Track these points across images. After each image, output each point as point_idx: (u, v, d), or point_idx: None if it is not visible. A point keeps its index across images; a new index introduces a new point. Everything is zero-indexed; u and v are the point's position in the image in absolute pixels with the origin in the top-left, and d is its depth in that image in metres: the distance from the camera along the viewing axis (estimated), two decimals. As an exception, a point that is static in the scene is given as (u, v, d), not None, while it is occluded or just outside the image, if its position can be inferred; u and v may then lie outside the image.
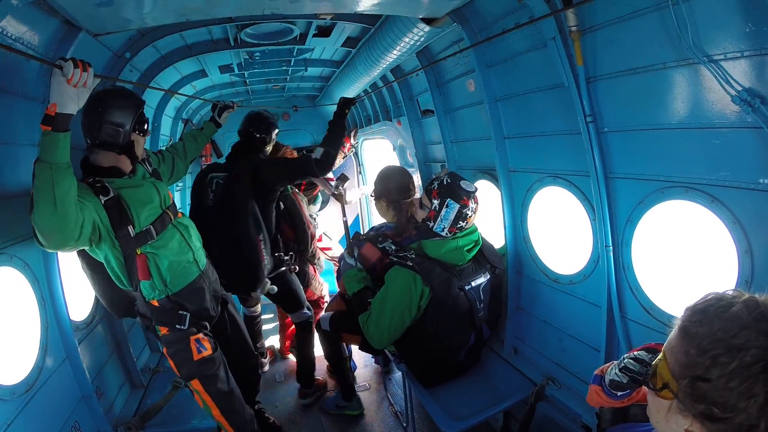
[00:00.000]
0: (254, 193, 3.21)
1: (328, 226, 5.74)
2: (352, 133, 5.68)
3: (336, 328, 3.32)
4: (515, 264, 3.04)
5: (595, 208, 2.28)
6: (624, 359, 1.32)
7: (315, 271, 4.38)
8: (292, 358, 4.50)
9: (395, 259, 2.69)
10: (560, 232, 2.89)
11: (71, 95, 1.71)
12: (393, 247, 2.92)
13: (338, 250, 5.42)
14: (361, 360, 4.37)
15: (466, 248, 2.67)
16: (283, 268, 3.57)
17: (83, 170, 2.23)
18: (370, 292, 2.87)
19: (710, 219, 1.80)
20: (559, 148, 2.53)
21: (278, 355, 4.65)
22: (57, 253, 2.28)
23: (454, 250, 2.64)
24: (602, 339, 2.33)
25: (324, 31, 3.44)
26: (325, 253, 4.97)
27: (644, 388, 1.19)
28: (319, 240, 5.11)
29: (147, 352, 3.54)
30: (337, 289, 3.60)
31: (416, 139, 4.33)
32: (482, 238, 2.83)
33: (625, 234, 2.19)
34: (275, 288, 3.43)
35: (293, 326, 4.13)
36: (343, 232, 4.15)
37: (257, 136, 3.52)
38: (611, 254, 2.25)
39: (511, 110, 2.82)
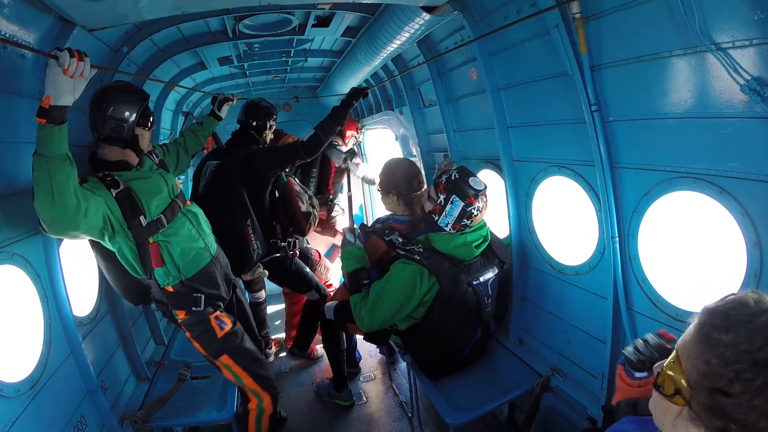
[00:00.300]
0: (245, 180, 3.31)
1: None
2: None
3: (340, 317, 3.33)
4: (520, 255, 3.01)
5: (600, 198, 2.25)
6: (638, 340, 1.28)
7: (320, 257, 4.43)
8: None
9: (402, 253, 2.67)
10: (565, 222, 2.85)
11: (66, 86, 1.68)
12: (400, 240, 2.90)
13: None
14: (366, 350, 4.37)
15: (474, 244, 2.65)
16: (278, 254, 3.66)
17: (92, 165, 2.28)
18: (366, 273, 2.87)
19: (718, 210, 1.76)
20: (563, 137, 2.48)
21: (283, 346, 4.68)
22: (58, 250, 2.28)
23: (462, 245, 2.62)
24: (608, 331, 2.31)
25: (323, 21, 3.38)
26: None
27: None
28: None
29: (152, 345, 3.56)
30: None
31: (418, 128, 4.28)
32: (491, 233, 2.80)
33: (631, 225, 2.15)
34: (266, 272, 3.59)
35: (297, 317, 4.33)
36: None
37: (254, 124, 3.63)
38: (617, 245, 2.21)
39: (514, 99, 2.78)
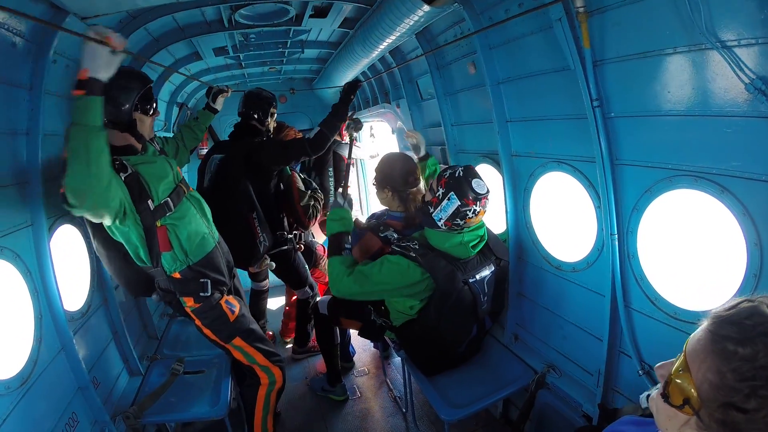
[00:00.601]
0: (249, 173, 3.33)
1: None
2: (350, 115, 5.60)
3: (334, 312, 3.31)
4: (516, 250, 3.00)
5: (600, 195, 2.23)
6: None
7: (324, 252, 4.46)
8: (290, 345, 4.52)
9: (398, 249, 2.64)
10: (563, 218, 2.84)
11: (103, 62, 1.79)
12: (395, 236, 2.87)
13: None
14: (360, 345, 4.36)
15: (471, 244, 2.62)
16: (286, 246, 3.72)
17: None
18: (348, 238, 2.85)
19: (719, 210, 1.75)
20: (563, 132, 2.46)
21: (278, 338, 4.71)
22: (49, 243, 2.24)
23: (458, 245, 2.60)
24: (605, 328, 2.29)
25: (320, 12, 3.33)
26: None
27: None
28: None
29: (145, 340, 3.52)
30: None
31: (416, 122, 4.24)
32: (488, 232, 2.78)
33: (630, 222, 2.14)
34: (273, 264, 3.62)
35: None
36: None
37: (255, 115, 3.62)
38: (616, 242, 2.20)
39: (514, 93, 2.75)
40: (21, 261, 2.08)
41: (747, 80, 1.51)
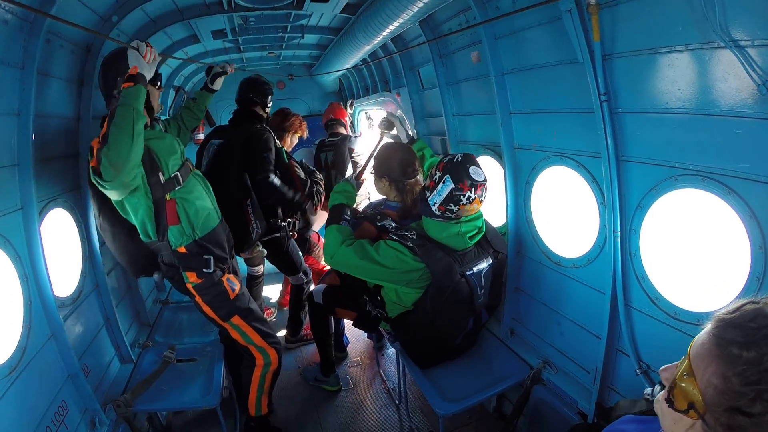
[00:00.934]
0: (246, 160, 3.33)
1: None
2: (348, 104, 5.54)
3: (328, 302, 3.29)
4: (516, 244, 2.97)
5: (604, 191, 2.19)
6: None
7: (318, 239, 4.49)
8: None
9: (395, 238, 2.61)
10: (564, 213, 2.81)
11: (145, 65, 2.15)
12: (393, 225, 2.84)
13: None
14: (354, 335, 4.34)
15: (468, 235, 2.59)
16: (278, 234, 3.75)
17: None
18: (348, 210, 2.85)
19: (725, 211, 1.72)
20: (568, 126, 2.42)
21: (276, 308, 4.97)
22: (39, 228, 2.19)
23: (455, 235, 2.56)
24: (604, 326, 2.27)
25: (322, -5, 3.26)
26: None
27: None
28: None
29: (136, 327, 3.48)
30: None
31: (416, 111, 4.18)
32: (487, 224, 2.75)
33: (634, 220, 2.11)
34: (265, 251, 3.73)
35: None
36: None
37: (257, 100, 3.62)
38: (618, 240, 2.17)
39: (519, 85, 2.70)
40: (10, 245, 2.03)
41: (759, 81, 1.48)
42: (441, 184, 2.50)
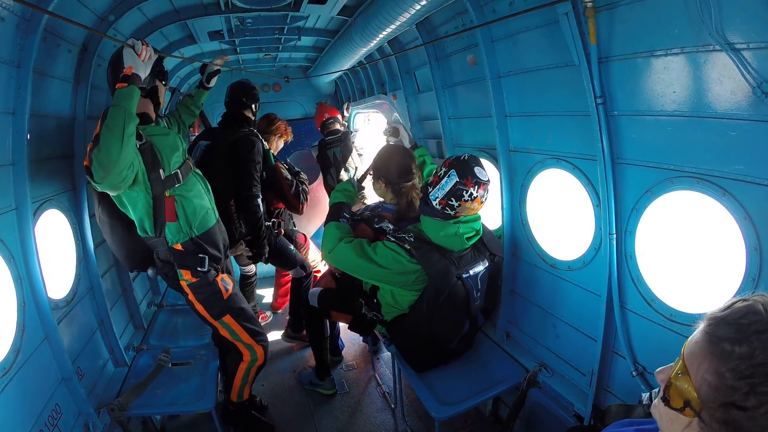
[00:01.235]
0: (233, 162, 3.39)
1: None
2: (345, 107, 5.54)
3: (324, 305, 3.27)
4: (511, 247, 2.98)
5: (599, 193, 2.20)
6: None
7: (306, 240, 4.52)
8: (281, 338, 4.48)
9: (393, 239, 2.61)
10: (559, 216, 2.81)
11: (141, 64, 2.17)
12: (390, 227, 2.84)
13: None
14: (349, 339, 4.33)
15: (465, 236, 2.59)
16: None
17: None
18: (347, 209, 2.91)
19: (720, 212, 1.73)
20: (564, 129, 2.43)
21: (271, 311, 4.96)
22: (33, 229, 2.17)
23: (453, 236, 2.57)
24: (600, 328, 2.28)
25: (320, -3, 3.26)
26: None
27: None
28: None
29: (131, 330, 3.45)
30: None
31: (412, 113, 4.18)
32: (483, 227, 2.76)
33: (629, 222, 2.11)
34: (248, 250, 3.71)
35: (287, 284, 4.52)
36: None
37: (246, 102, 3.66)
38: (614, 242, 2.17)
39: (515, 88, 2.71)
40: (4, 246, 2.01)
41: (754, 83, 1.49)
42: (446, 179, 2.53)
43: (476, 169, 2.53)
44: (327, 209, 3.04)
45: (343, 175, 4.80)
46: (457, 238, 2.58)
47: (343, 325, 3.72)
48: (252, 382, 2.99)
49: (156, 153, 2.34)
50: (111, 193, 2.24)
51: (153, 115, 2.54)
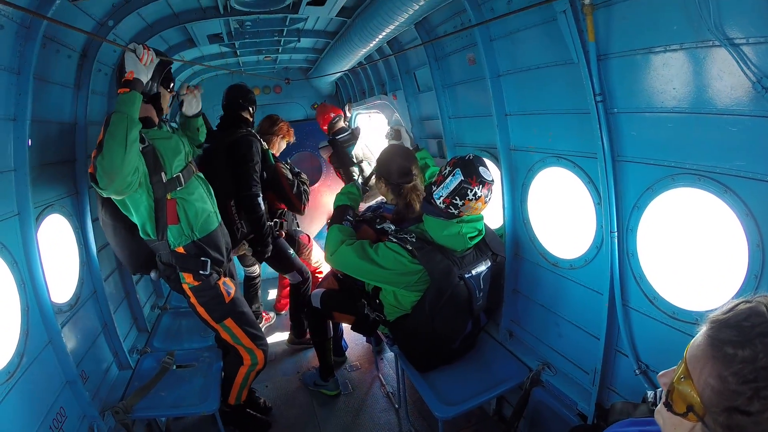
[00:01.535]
0: (232, 163, 3.41)
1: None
2: (347, 107, 5.55)
3: (327, 306, 3.28)
4: (513, 246, 2.97)
5: (600, 191, 2.19)
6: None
7: (309, 241, 4.53)
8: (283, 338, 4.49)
9: (395, 240, 2.61)
10: (561, 214, 2.80)
11: (142, 69, 2.16)
12: (392, 228, 2.84)
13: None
14: (353, 339, 4.33)
15: (468, 235, 2.60)
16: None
17: None
18: (351, 212, 2.94)
19: (721, 209, 1.72)
20: (564, 127, 2.42)
21: (274, 312, 4.94)
22: (36, 234, 2.18)
23: (455, 235, 2.57)
24: (602, 327, 2.27)
25: (318, -1, 3.26)
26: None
27: None
28: None
29: (134, 333, 3.46)
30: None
31: (412, 113, 4.17)
32: (485, 227, 2.75)
33: (631, 220, 2.10)
34: (251, 249, 3.70)
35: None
36: None
37: (243, 104, 3.70)
38: (615, 240, 2.16)
39: (514, 86, 2.70)
40: (7, 251, 2.02)
41: (754, 79, 1.48)
42: (450, 177, 2.55)
43: (481, 169, 2.54)
44: (328, 209, 3.05)
45: (366, 168, 4.79)
46: (460, 237, 2.58)
47: (346, 326, 3.72)
48: (250, 386, 3.01)
49: (158, 156, 2.35)
50: (116, 197, 2.25)
51: (156, 120, 2.55)
